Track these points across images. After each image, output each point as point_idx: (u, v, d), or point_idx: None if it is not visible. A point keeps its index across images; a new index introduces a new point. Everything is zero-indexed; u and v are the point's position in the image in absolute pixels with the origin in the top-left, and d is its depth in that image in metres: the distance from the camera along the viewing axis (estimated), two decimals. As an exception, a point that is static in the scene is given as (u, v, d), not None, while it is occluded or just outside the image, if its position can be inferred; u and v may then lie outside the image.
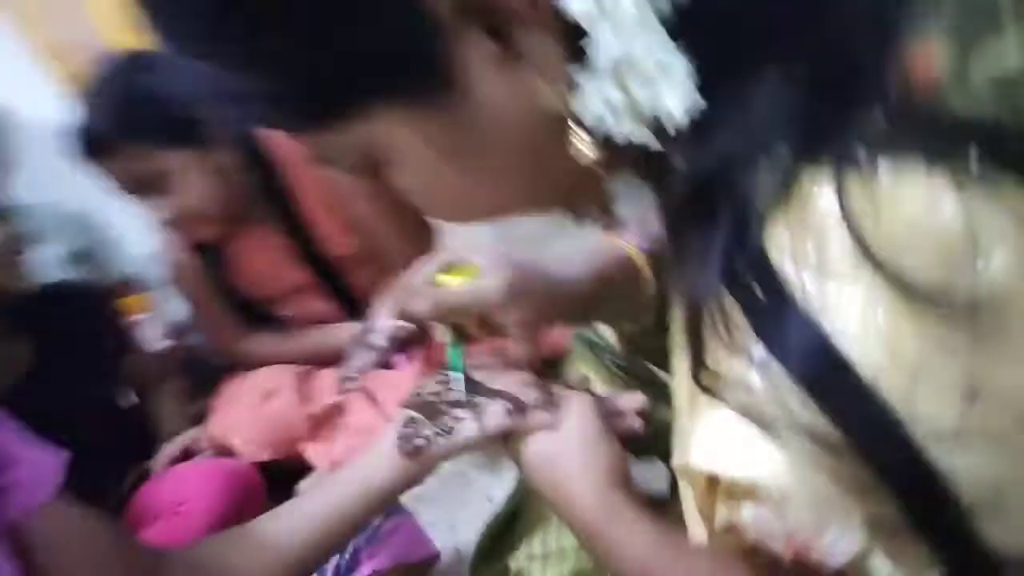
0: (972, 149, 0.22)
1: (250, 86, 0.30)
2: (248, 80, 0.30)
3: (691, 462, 0.25)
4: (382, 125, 0.31)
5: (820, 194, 0.23)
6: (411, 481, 0.56)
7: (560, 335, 1.08)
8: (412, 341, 1.12)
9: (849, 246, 0.22)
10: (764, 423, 0.23)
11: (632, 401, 0.53)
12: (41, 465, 0.52)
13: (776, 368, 0.23)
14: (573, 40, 0.27)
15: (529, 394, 0.52)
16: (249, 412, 1.13)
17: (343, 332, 1.21)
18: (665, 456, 0.56)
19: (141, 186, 1.03)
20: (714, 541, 0.29)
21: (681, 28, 0.26)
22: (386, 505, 0.58)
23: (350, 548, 0.75)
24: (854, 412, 0.22)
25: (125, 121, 0.98)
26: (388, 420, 1.06)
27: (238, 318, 1.25)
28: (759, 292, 0.24)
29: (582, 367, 0.70)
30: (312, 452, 1.10)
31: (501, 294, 0.50)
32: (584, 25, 0.26)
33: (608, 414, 0.51)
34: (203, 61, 0.30)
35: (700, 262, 0.26)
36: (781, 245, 0.24)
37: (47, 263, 1.51)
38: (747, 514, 0.25)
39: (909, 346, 0.22)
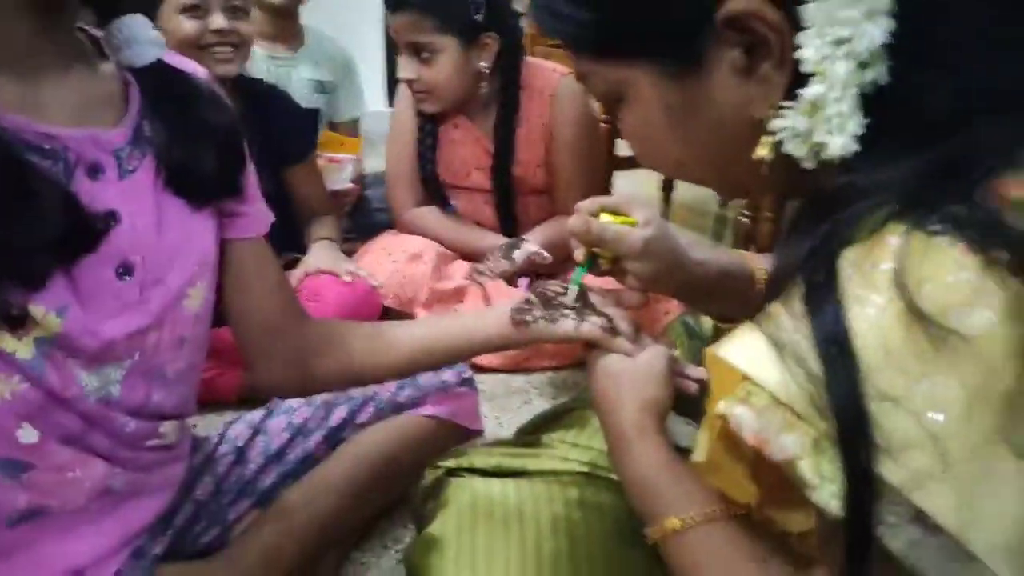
0: (1007, 251, 0.32)
1: (570, 11, 0.44)
2: (572, 7, 0.44)
3: (720, 352, 0.37)
4: (637, 74, 0.45)
5: (892, 236, 0.34)
6: (507, 344, 0.71)
7: (665, 314, 1.21)
8: (541, 273, 1.28)
9: (890, 275, 0.33)
10: (779, 349, 0.35)
11: (696, 372, 0.65)
12: (263, 208, 0.71)
13: (805, 325, 0.35)
14: (794, 76, 0.39)
15: (624, 324, 0.65)
16: (392, 264, 1.32)
17: (492, 239, 1.38)
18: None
19: (408, 48, 1.23)
20: (707, 424, 0.41)
21: (872, 98, 0.37)
22: (481, 352, 0.73)
23: (422, 388, 0.91)
24: (838, 381, 0.33)
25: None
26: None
27: (419, 188, 1.44)
28: (820, 277, 0.35)
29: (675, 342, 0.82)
30: (421, 317, 1.29)
31: (641, 245, 0.63)
32: (805, 70, 0.38)
33: (674, 371, 0.63)
34: None
35: (795, 246, 0.37)
36: (851, 257, 0.35)
37: (299, 80, 1.76)
38: (738, 411, 0.37)
39: (901, 355, 0.32)
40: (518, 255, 1.27)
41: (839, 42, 0.36)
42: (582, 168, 1.36)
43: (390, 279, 1.30)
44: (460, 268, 1.37)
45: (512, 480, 0.69)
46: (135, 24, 0.58)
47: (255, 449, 0.79)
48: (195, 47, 1.15)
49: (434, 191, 1.45)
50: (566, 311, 0.67)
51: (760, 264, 0.69)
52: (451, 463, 0.72)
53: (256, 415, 0.84)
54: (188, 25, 1.15)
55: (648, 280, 0.65)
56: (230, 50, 1.18)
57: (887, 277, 0.33)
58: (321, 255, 1.30)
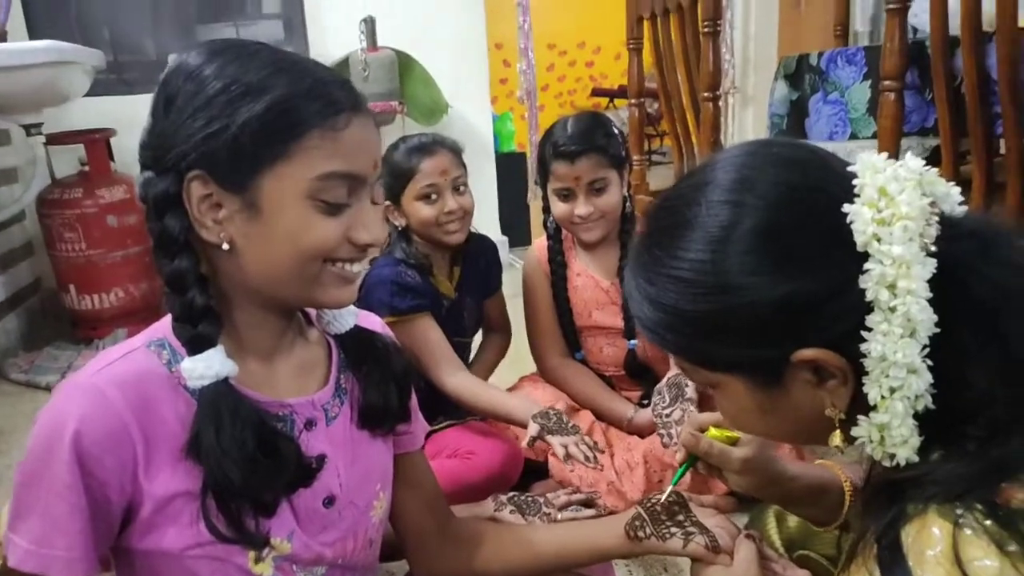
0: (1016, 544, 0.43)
1: (675, 339, 0.58)
2: (677, 337, 0.58)
3: None
4: (731, 379, 0.58)
5: (935, 527, 0.46)
6: (626, 553, 0.85)
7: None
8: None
9: (938, 557, 0.45)
10: None
11: (781, 561, 0.76)
12: (422, 424, 0.88)
13: None
14: (858, 395, 0.52)
15: (723, 537, 0.77)
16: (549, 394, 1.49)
17: (621, 404, 1.52)
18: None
19: (587, 187, 1.45)
20: None
21: (926, 415, 0.50)
22: (601, 561, 0.88)
23: None
24: None
25: (600, 143, 1.44)
26: (620, 473, 1.37)
27: (558, 336, 1.61)
28: (889, 551, 0.47)
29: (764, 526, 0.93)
30: (555, 464, 1.43)
31: (739, 464, 0.77)
32: (872, 402, 0.51)
33: (763, 563, 0.75)
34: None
35: (870, 520, 0.50)
36: (907, 535, 0.47)
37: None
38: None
39: None
40: (690, 393, 1.37)
41: (894, 389, 0.50)
42: None
43: (552, 398, 1.48)
44: (586, 417, 1.52)
45: None
46: None
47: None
48: (432, 226, 1.42)
49: (569, 336, 1.62)
50: (672, 528, 0.79)
51: (847, 474, 0.80)
52: None
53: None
54: (426, 211, 1.41)
55: (748, 491, 0.78)
56: (458, 224, 1.44)
57: (935, 558, 0.45)
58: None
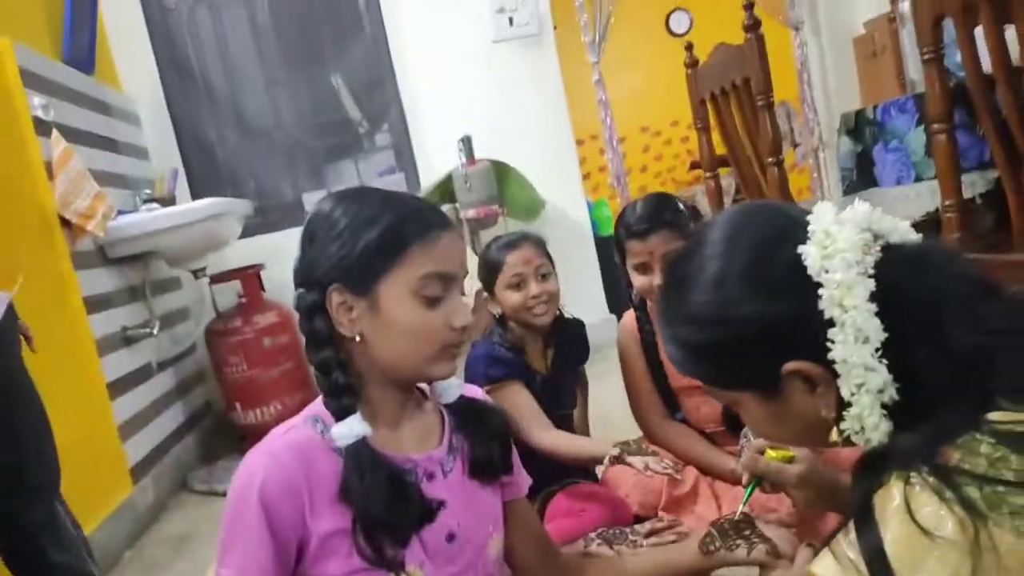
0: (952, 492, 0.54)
1: (695, 370, 0.75)
2: (697, 369, 0.75)
3: (814, 568, 0.62)
4: (743, 396, 0.73)
5: (894, 488, 0.57)
6: (700, 566, 0.96)
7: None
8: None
9: (897, 511, 0.56)
10: (844, 562, 0.59)
11: None
12: (524, 476, 1.05)
13: (857, 546, 0.58)
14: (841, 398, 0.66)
15: (785, 545, 0.89)
16: (633, 476, 1.61)
17: (726, 459, 1.62)
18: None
19: (657, 259, 1.59)
20: None
21: (895, 404, 0.63)
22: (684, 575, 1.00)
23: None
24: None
25: (667, 218, 1.59)
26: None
27: (658, 400, 1.74)
28: (862, 515, 0.59)
29: None
30: (663, 517, 1.54)
31: (795, 480, 0.88)
32: (845, 399, 0.65)
33: None
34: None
35: (854, 484, 0.62)
36: (876, 501, 0.59)
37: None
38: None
39: (911, 554, 0.54)
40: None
41: (859, 385, 0.63)
42: None
43: (633, 489, 1.59)
44: (691, 472, 1.62)
45: None
46: (445, 381, 0.96)
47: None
48: (521, 310, 1.62)
49: (666, 396, 1.74)
50: (740, 540, 0.92)
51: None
52: None
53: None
54: (514, 297, 1.61)
55: (808, 504, 0.89)
56: (544, 307, 1.63)
57: (895, 512, 0.57)
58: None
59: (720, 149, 2.30)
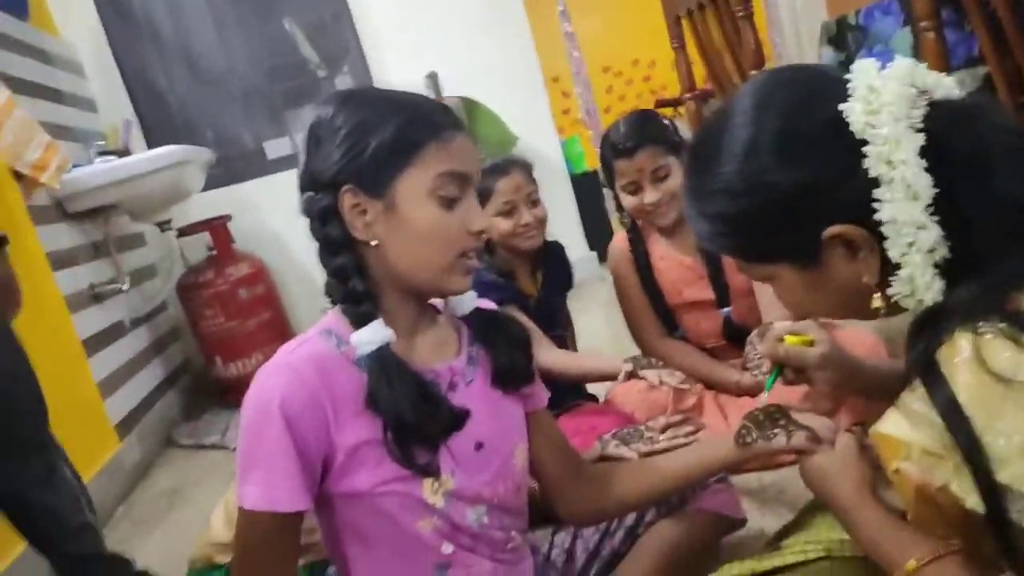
0: None
1: (728, 244, 0.72)
2: (727, 242, 0.72)
3: (880, 429, 0.61)
4: (780, 268, 0.71)
5: (962, 340, 0.56)
6: (737, 461, 0.94)
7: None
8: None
9: (968, 362, 0.55)
10: (913, 417, 0.58)
11: None
12: (543, 387, 1.01)
13: (927, 399, 0.57)
14: (885, 262, 0.63)
15: (824, 431, 0.86)
16: (640, 394, 1.61)
17: (729, 371, 1.62)
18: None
19: (650, 177, 1.58)
20: (895, 486, 0.63)
21: (946, 263, 0.61)
22: (718, 472, 0.99)
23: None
24: (957, 427, 0.55)
25: (652, 134, 1.58)
26: (726, 430, 1.47)
27: (655, 317, 1.73)
28: (930, 371, 0.58)
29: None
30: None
31: (818, 359, 0.87)
32: (894, 261, 0.63)
33: (864, 450, 0.83)
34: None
35: (911, 352, 0.61)
36: (942, 354, 0.57)
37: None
38: (904, 465, 0.60)
39: (988, 403, 0.54)
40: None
41: (910, 244, 0.61)
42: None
43: (638, 406, 1.59)
44: (696, 387, 1.63)
45: None
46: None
47: (578, 549, 1.09)
48: (511, 236, 1.59)
49: (664, 315, 1.74)
50: (776, 430, 0.88)
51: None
52: None
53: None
54: (504, 224, 1.58)
55: (832, 385, 0.88)
56: (534, 232, 1.60)
57: (965, 363, 0.56)
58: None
59: (698, 69, 2.26)
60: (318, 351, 0.82)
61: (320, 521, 0.88)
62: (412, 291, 0.87)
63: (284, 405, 0.77)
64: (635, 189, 1.61)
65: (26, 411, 1.34)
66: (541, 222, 1.61)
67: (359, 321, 0.81)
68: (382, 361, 0.80)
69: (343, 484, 0.81)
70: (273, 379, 0.79)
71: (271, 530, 0.79)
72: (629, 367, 1.38)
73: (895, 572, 0.69)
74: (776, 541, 0.98)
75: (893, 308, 0.67)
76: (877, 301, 0.66)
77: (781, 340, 0.91)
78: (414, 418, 0.79)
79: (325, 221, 0.82)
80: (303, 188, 0.85)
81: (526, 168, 1.63)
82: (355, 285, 0.82)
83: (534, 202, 1.60)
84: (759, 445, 0.90)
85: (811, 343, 0.89)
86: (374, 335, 0.80)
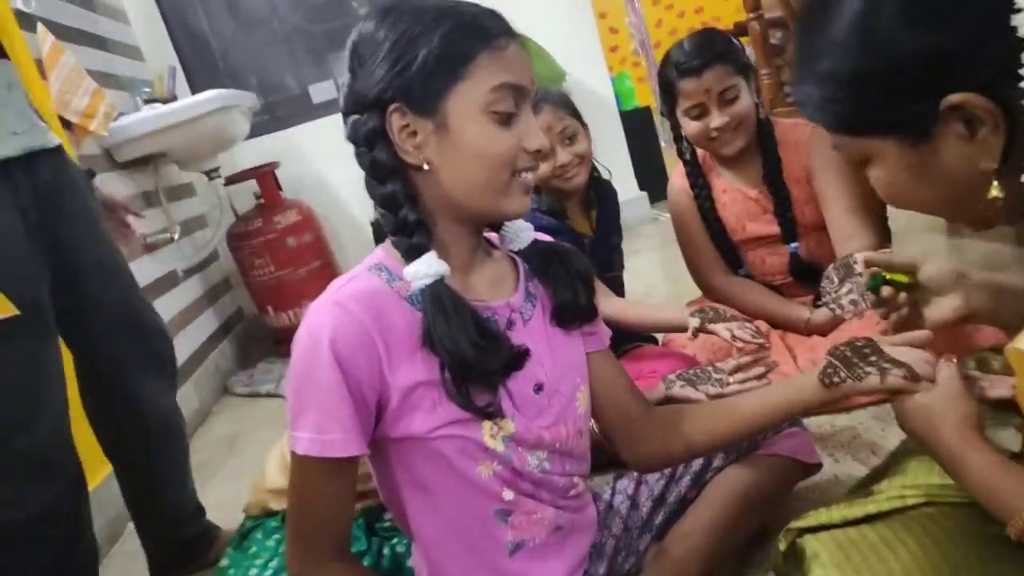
0: None
1: (834, 107, 0.63)
2: (835, 105, 0.63)
3: (1019, 345, 0.53)
4: (884, 145, 0.62)
5: None
6: (823, 403, 0.84)
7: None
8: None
9: None
10: None
11: (998, 381, 0.76)
12: (606, 327, 0.94)
13: None
14: (1008, 135, 0.54)
15: (921, 366, 0.76)
16: (703, 336, 1.51)
17: (794, 308, 1.52)
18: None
19: (717, 98, 1.48)
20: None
21: None
22: (801, 414, 0.90)
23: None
24: None
25: (721, 50, 1.47)
26: (794, 371, 1.38)
27: (716, 255, 1.63)
28: None
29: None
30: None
31: (949, 276, 0.76)
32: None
33: (968, 382, 0.74)
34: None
35: None
36: None
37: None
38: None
39: None
40: (859, 268, 1.26)
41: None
42: (853, 193, 1.47)
43: (702, 347, 1.51)
44: (762, 328, 1.53)
45: (862, 526, 0.77)
46: (516, 225, 0.87)
47: (643, 495, 1.04)
48: (550, 179, 1.48)
49: (727, 252, 1.64)
50: (868, 367, 0.78)
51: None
52: (801, 524, 0.81)
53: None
54: (542, 167, 1.43)
55: (962, 312, 0.78)
56: (576, 169, 1.49)
57: None
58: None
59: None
60: (368, 287, 0.77)
61: (374, 467, 0.83)
62: (468, 219, 0.80)
63: (333, 344, 0.72)
64: (700, 113, 1.50)
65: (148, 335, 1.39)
66: (582, 158, 1.50)
67: (411, 253, 0.75)
68: (437, 296, 0.74)
69: (398, 428, 0.77)
70: (321, 317, 0.74)
71: (325, 476, 0.76)
72: (697, 322, 1.29)
73: (1008, 523, 0.62)
74: (865, 486, 0.89)
75: (1014, 206, 0.57)
76: (995, 190, 0.57)
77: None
78: (473, 356, 0.73)
79: (372, 145, 0.76)
80: (347, 112, 0.78)
81: (560, 101, 1.50)
82: (406, 214, 0.76)
83: (571, 138, 1.48)
84: (848, 385, 0.81)
85: (909, 283, 0.79)
86: (428, 268, 0.74)
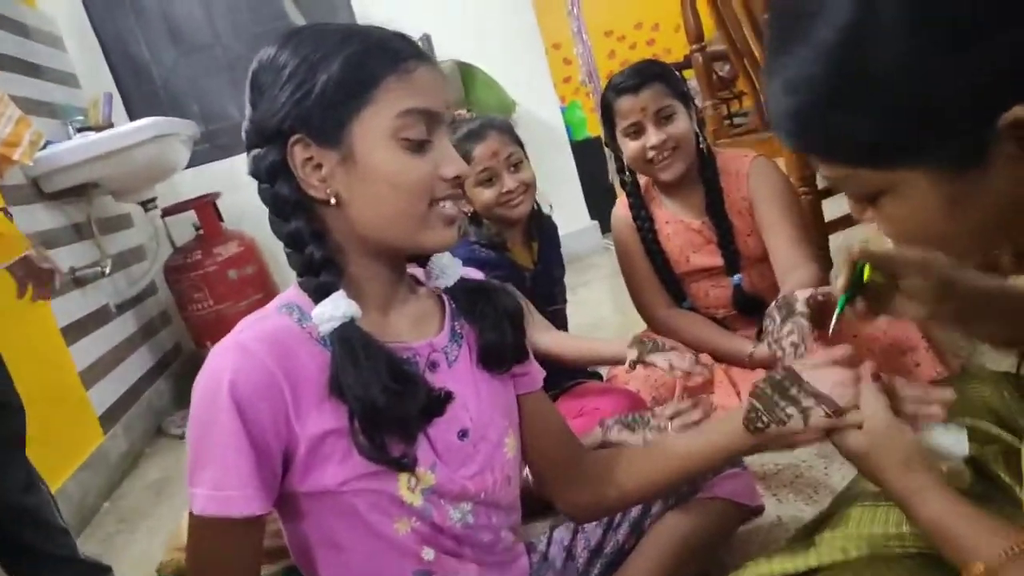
0: None
1: (848, 132, 0.50)
2: (851, 130, 0.50)
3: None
4: (915, 175, 0.49)
5: None
6: (751, 449, 0.80)
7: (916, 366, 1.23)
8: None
9: None
10: None
11: (939, 394, 0.73)
12: (538, 366, 0.89)
13: None
14: None
15: (842, 391, 0.72)
16: (647, 370, 1.48)
17: (738, 342, 1.50)
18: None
19: (653, 117, 1.46)
20: None
21: None
22: (730, 460, 0.86)
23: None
24: None
25: (657, 72, 1.48)
26: (737, 407, 1.34)
27: (660, 287, 1.61)
28: None
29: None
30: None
31: (917, 260, 0.71)
32: None
33: (897, 404, 0.71)
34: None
35: None
36: None
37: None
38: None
39: None
40: (800, 308, 1.23)
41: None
42: (795, 223, 1.48)
43: (644, 382, 1.47)
44: (705, 361, 1.50)
45: None
46: (442, 260, 0.82)
47: (579, 546, 0.98)
48: (494, 206, 1.44)
49: (670, 284, 1.62)
50: (789, 409, 0.75)
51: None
52: (741, 575, 0.78)
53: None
54: (486, 194, 1.43)
55: (932, 303, 0.73)
56: (521, 197, 1.45)
57: None
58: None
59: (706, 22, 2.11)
60: (275, 327, 0.71)
61: (284, 523, 0.77)
62: (385, 253, 0.75)
63: (233, 388, 0.65)
64: (637, 131, 1.48)
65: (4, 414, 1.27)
66: (527, 186, 1.46)
67: (319, 293, 0.70)
68: (346, 338, 0.68)
69: (308, 481, 0.70)
70: (221, 360, 0.67)
71: (224, 537, 0.69)
72: (634, 353, 1.25)
73: (964, 567, 0.59)
74: (809, 535, 0.85)
75: None
76: None
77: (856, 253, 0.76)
78: (385, 402, 0.67)
79: (274, 180, 0.71)
80: (249, 146, 0.73)
81: (504, 129, 1.47)
82: (312, 252, 0.70)
83: (516, 165, 1.45)
84: (773, 430, 0.77)
85: (884, 283, 0.74)
86: (336, 309, 0.69)
